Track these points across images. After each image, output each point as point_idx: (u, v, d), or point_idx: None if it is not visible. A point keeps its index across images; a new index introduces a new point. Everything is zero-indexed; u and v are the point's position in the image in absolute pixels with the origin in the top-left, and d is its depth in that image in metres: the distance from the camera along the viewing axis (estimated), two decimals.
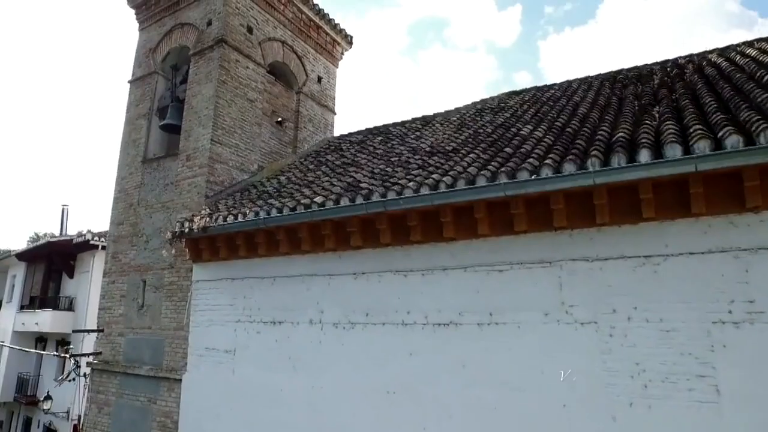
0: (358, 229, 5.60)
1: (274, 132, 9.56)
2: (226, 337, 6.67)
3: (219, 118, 8.22)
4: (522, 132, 6.23)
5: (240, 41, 8.82)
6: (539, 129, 6.17)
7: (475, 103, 9.71)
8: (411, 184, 5.14)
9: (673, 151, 3.85)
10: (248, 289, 6.61)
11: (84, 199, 79.04)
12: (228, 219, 6.45)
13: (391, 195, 5.14)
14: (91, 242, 17.01)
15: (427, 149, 6.93)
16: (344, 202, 5.45)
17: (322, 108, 10.73)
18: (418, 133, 8.43)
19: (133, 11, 10.13)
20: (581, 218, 4.53)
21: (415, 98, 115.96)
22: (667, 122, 4.58)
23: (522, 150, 5.29)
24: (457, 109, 9.58)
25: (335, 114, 11.10)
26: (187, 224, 6.92)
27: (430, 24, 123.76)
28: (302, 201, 5.88)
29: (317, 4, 10.41)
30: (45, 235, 56.47)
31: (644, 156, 3.98)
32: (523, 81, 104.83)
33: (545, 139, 5.50)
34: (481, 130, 7.19)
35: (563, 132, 5.68)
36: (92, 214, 77.15)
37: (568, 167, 4.29)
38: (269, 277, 6.43)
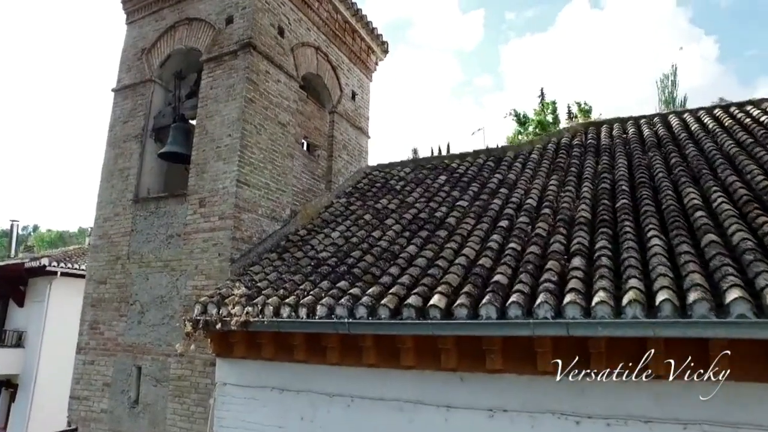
0: (498, 348, 3.81)
1: (306, 164, 7.57)
2: None
3: (246, 149, 6.17)
4: (694, 201, 4.58)
5: (270, 46, 6.78)
6: (717, 193, 4.55)
7: (549, 136, 8.10)
8: (602, 294, 3.40)
9: None
10: (309, 408, 4.66)
11: (36, 188, 72.66)
12: (283, 312, 4.49)
13: (573, 311, 3.38)
14: (48, 268, 14.30)
15: (545, 211, 5.20)
16: (488, 312, 3.63)
17: (356, 131, 8.79)
18: (499, 176, 6.70)
19: None
20: None
21: (390, 101, 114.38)
22: None
23: (745, 246, 3.62)
24: (531, 142, 7.94)
25: (369, 138, 9.19)
26: (214, 311, 4.90)
27: (395, 26, 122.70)
28: (409, 300, 4.00)
29: (354, 3, 8.47)
30: None
31: None
32: (485, 84, 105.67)
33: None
34: (606, 185, 5.53)
35: None
36: (45, 204, 71.03)
37: None
38: (344, 396, 4.52)
